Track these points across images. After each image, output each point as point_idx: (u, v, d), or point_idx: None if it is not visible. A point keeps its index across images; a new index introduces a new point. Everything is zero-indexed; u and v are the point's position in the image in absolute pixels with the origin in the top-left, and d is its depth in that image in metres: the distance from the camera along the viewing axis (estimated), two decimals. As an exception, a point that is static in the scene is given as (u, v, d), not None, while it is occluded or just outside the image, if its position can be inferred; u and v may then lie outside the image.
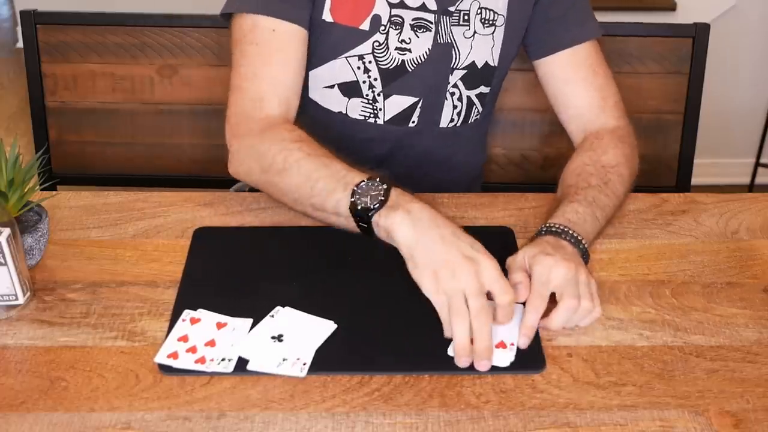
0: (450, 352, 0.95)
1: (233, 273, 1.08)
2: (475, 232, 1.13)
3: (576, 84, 1.31)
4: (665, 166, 1.62)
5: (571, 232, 1.08)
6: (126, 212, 1.20)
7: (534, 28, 1.32)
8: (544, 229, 1.09)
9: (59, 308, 1.02)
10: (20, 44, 2.99)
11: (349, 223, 1.04)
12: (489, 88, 1.36)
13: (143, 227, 1.17)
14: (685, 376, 0.95)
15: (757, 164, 2.84)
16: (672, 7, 2.54)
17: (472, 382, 0.93)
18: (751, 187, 2.86)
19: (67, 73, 1.56)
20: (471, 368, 0.94)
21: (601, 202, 1.15)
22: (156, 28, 1.54)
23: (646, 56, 1.57)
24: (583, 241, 1.08)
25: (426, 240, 0.97)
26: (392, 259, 1.08)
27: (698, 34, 1.55)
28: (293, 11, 1.21)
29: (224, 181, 1.50)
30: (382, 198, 1.00)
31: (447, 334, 0.95)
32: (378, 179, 1.03)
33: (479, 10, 1.29)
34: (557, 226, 1.09)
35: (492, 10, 1.29)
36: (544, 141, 1.61)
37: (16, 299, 1.00)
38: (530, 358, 0.96)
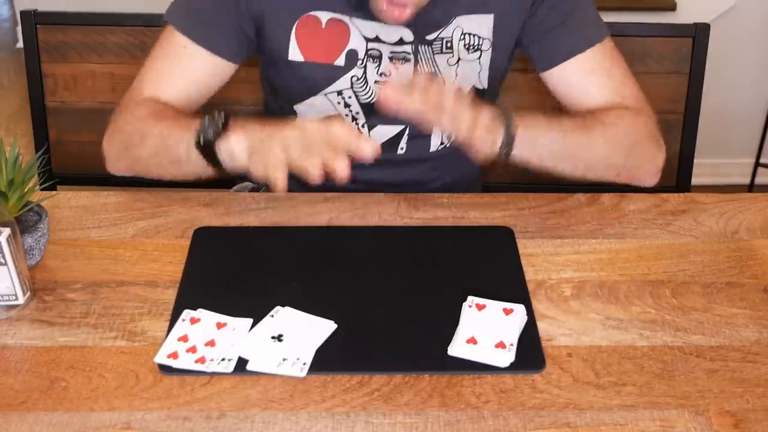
0: (450, 352, 0.95)
1: (233, 273, 1.08)
2: (475, 232, 1.14)
3: (589, 88, 1.26)
4: (665, 165, 1.62)
5: (509, 111, 1.10)
6: (126, 212, 1.20)
7: (535, 42, 1.28)
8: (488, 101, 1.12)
9: (59, 308, 1.02)
10: (20, 44, 2.99)
11: (202, 166, 1.10)
12: None
13: (143, 227, 1.17)
14: (685, 376, 0.95)
15: (757, 164, 2.84)
16: (672, 7, 2.54)
17: (472, 382, 0.93)
18: (751, 187, 2.86)
19: (67, 73, 1.56)
20: (471, 368, 0.94)
21: (567, 128, 1.16)
22: (156, 28, 1.54)
23: (646, 56, 1.57)
24: (514, 124, 1.10)
25: (255, 142, 1.05)
26: (392, 259, 1.08)
27: (698, 34, 1.55)
28: (211, 39, 1.22)
29: (224, 181, 1.49)
30: (220, 125, 1.07)
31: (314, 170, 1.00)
32: (216, 112, 1.08)
33: (462, 36, 1.26)
34: (500, 104, 1.12)
35: (476, 35, 1.26)
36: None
37: (16, 299, 1.00)
38: (530, 358, 0.96)
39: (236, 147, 1.06)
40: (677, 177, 1.62)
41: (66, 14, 1.55)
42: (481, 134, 1.09)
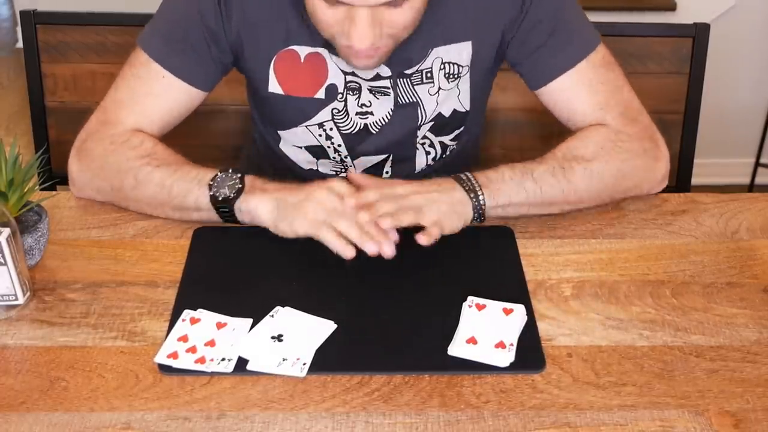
0: (450, 352, 0.95)
1: (233, 273, 1.08)
2: (476, 232, 1.14)
3: (575, 105, 1.23)
4: (665, 166, 1.62)
5: (473, 181, 1.11)
6: (126, 212, 1.20)
7: (523, 62, 1.25)
8: (454, 175, 1.13)
9: (59, 308, 1.02)
10: (20, 44, 2.99)
11: (211, 215, 1.13)
12: (463, 128, 1.33)
13: (143, 227, 1.17)
14: (685, 376, 0.95)
15: (757, 164, 2.84)
16: (672, 7, 2.53)
17: (472, 382, 0.93)
18: (751, 187, 2.86)
19: (67, 73, 1.56)
20: (471, 368, 0.94)
21: (541, 179, 1.14)
22: (156, 28, 1.54)
23: (646, 56, 1.56)
24: (483, 196, 1.10)
25: (282, 203, 1.09)
26: (392, 259, 1.08)
27: (698, 34, 1.55)
28: (190, 71, 1.21)
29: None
30: (239, 186, 1.11)
31: (348, 254, 1.05)
32: (230, 170, 1.12)
33: (442, 66, 1.24)
34: (467, 174, 1.13)
35: (456, 63, 1.24)
36: (544, 141, 1.61)
37: (16, 299, 1.00)
38: (530, 358, 0.96)
39: (261, 209, 1.09)
40: (677, 177, 1.62)
41: (66, 14, 1.55)
42: (449, 223, 1.10)
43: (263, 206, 1.09)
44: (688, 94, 1.58)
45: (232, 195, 1.10)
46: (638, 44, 1.56)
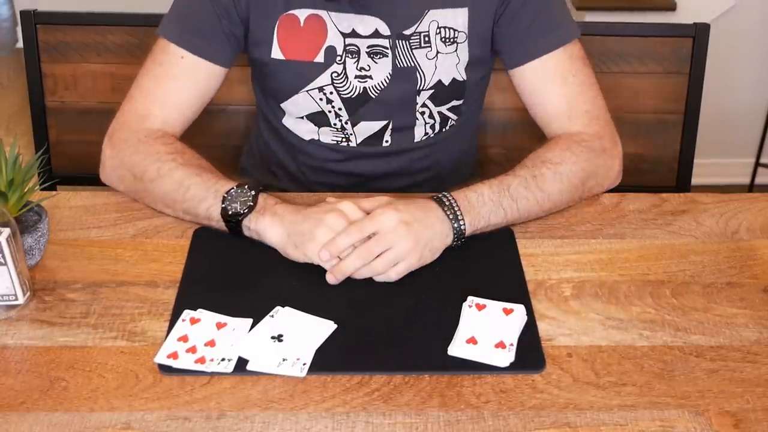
0: (450, 352, 0.95)
1: (233, 273, 1.08)
2: (476, 233, 1.14)
3: (544, 93, 1.28)
4: (665, 166, 1.62)
5: (455, 206, 1.10)
6: (126, 212, 1.20)
7: (505, 40, 1.29)
8: (435, 196, 1.12)
9: (59, 308, 1.02)
10: (20, 44, 2.99)
11: (219, 226, 1.13)
12: (462, 100, 1.34)
13: (143, 227, 1.17)
14: (685, 376, 0.95)
15: (757, 164, 2.84)
16: (672, 7, 2.53)
17: (472, 382, 0.93)
18: (751, 187, 2.86)
19: (67, 73, 1.56)
20: (471, 368, 0.94)
21: (516, 193, 1.15)
22: (156, 28, 1.54)
23: (646, 56, 1.56)
24: (463, 221, 1.10)
25: (292, 229, 1.08)
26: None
27: (698, 34, 1.55)
28: (206, 47, 1.24)
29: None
30: (251, 203, 1.10)
31: (339, 275, 1.05)
32: (246, 186, 1.12)
33: (438, 30, 1.26)
34: (447, 196, 1.12)
35: (452, 28, 1.27)
36: (543, 140, 1.61)
37: (16, 299, 1.00)
38: (530, 358, 0.96)
39: (271, 233, 1.09)
40: (677, 177, 1.62)
41: (66, 14, 1.55)
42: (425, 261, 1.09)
43: (273, 231, 1.09)
44: (688, 94, 1.58)
45: (242, 211, 1.10)
46: (638, 44, 1.56)
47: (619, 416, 0.89)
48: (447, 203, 1.11)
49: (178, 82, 1.25)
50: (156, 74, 1.26)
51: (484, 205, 1.12)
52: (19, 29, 3.54)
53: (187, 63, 1.24)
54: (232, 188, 1.12)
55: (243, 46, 1.29)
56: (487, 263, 1.11)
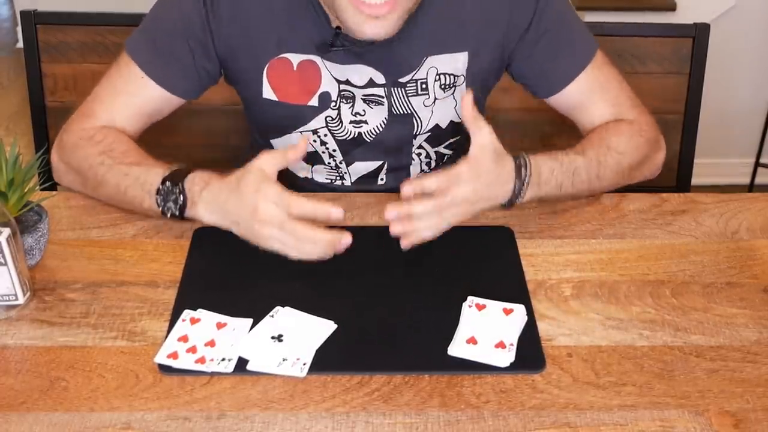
0: (450, 352, 0.95)
1: (233, 273, 1.08)
2: (475, 232, 1.14)
3: (587, 108, 1.27)
4: (665, 166, 1.61)
5: (525, 183, 1.11)
6: (126, 212, 1.20)
7: (529, 75, 1.28)
8: (518, 160, 1.12)
9: (59, 308, 1.02)
10: (20, 44, 2.99)
11: (170, 220, 1.12)
12: (459, 137, 1.33)
13: (143, 227, 1.17)
14: (685, 376, 0.95)
15: (757, 164, 2.84)
16: (672, 7, 2.53)
17: (472, 382, 0.93)
18: (751, 187, 2.86)
19: (67, 73, 1.56)
20: (471, 368, 0.94)
21: (578, 177, 1.17)
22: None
23: (646, 56, 1.56)
24: (522, 195, 1.11)
25: (229, 216, 1.05)
26: (392, 259, 1.08)
27: (698, 34, 1.55)
28: (169, 78, 1.22)
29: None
30: (181, 201, 1.09)
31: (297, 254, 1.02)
32: (169, 182, 1.09)
33: (438, 77, 1.24)
34: (527, 162, 1.12)
35: (451, 74, 1.24)
36: (545, 141, 1.61)
37: (16, 299, 1.00)
38: (530, 358, 0.96)
39: (207, 219, 1.08)
40: (677, 177, 1.62)
41: (66, 14, 1.55)
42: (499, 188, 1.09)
43: (209, 217, 1.08)
44: (688, 94, 1.58)
45: (176, 211, 1.10)
46: (638, 44, 1.56)
47: (619, 416, 0.89)
48: (524, 175, 1.11)
49: (132, 98, 1.23)
50: (114, 83, 1.24)
51: (548, 183, 1.14)
52: (19, 29, 3.53)
53: (145, 85, 1.22)
54: (159, 187, 1.10)
55: (217, 81, 1.27)
56: (487, 263, 1.11)
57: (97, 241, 1.15)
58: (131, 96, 1.23)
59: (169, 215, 1.10)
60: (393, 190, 1.32)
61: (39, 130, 1.58)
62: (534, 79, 1.28)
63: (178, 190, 1.09)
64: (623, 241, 1.17)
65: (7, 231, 0.97)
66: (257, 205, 1.00)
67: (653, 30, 1.57)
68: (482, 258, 1.12)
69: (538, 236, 1.17)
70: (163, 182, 1.10)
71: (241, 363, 0.94)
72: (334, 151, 1.29)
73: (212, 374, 0.93)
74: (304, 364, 0.93)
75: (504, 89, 1.50)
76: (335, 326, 0.99)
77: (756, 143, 2.81)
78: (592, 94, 1.27)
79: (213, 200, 1.07)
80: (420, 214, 1.03)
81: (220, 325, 0.98)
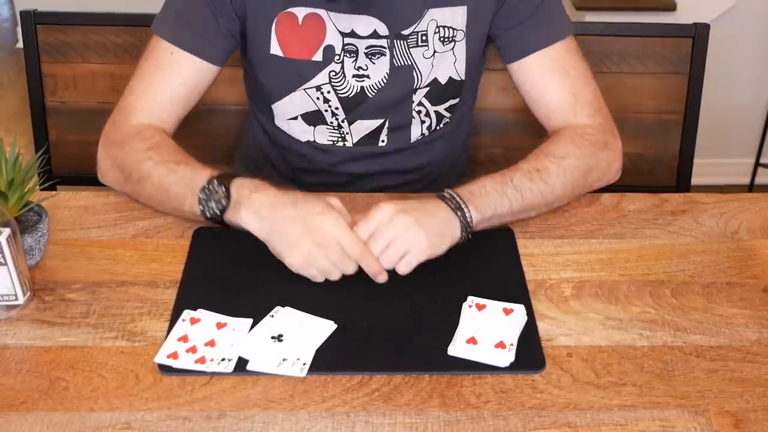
0: (450, 352, 0.95)
1: (233, 273, 1.08)
2: (476, 232, 1.14)
3: (547, 86, 1.28)
4: (665, 166, 1.62)
5: (457, 199, 1.10)
6: (126, 212, 1.20)
7: (503, 34, 1.29)
8: (436, 193, 1.11)
9: (59, 308, 1.02)
10: (20, 44, 2.99)
11: (208, 222, 1.12)
12: (458, 99, 1.34)
13: (143, 227, 1.17)
14: (685, 376, 0.95)
15: (757, 164, 2.84)
16: (672, 7, 2.53)
17: (472, 382, 0.93)
18: (751, 187, 2.86)
19: (67, 73, 1.56)
20: (471, 368, 0.94)
21: (520, 184, 1.15)
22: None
23: (646, 56, 1.56)
24: (468, 211, 1.09)
25: (275, 225, 1.05)
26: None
27: (698, 34, 1.55)
28: (196, 43, 1.24)
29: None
30: (224, 201, 1.09)
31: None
32: (216, 181, 1.10)
33: (437, 29, 1.27)
34: (447, 190, 1.11)
35: (451, 27, 1.27)
36: (541, 140, 1.61)
37: (16, 299, 1.00)
38: (530, 358, 0.96)
39: (251, 227, 1.07)
40: (677, 177, 1.62)
41: (66, 14, 1.55)
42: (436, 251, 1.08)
43: (251, 224, 1.07)
44: (688, 94, 1.58)
45: (217, 211, 1.09)
46: (638, 44, 1.56)
47: (619, 416, 0.89)
48: (448, 196, 1.10)
49: (166, 78, 1.24)
50: (145, 71, 1.25)
51: (487, 195, 1.12)
52: (19, 29, 3.54)
53: (176, 58, 1.24)
54: (204, 187, 1.10)
55: (239, 42, 1.29)
56: (487, 263, 1.11)
57: (97, 241, 1.15)
58: (165, 77, 1.24)
59: (209, 215, 1.10)
60: (393, 151, 1.36)
61: (39, 130, 1.58)
62: (504, 40, 1.30)
63: (223, 190, 1.09)
64: (623, 241, 1.17)
65: (7, 231, 0.97)
66: (321, 226, 1.03)
67: (653, 30, 1.57)
68: (482, 258, 1.12)
69: (538, 236, 1.17)
70: (210, 181, 1.10)
71: (241, 363, 0.94)
72: (337, 108, 1.30)
73: (212, 374, 0.93)
74: (304, 364, 0.93)
75: (503, 89, 1.50)
76: (335, 326, 0.99)
77: (756, 143, 2.81)
78: (553, 73, 1.27)
79: (262, 206, 1.07)
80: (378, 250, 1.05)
81: (220, 325, 0.98)
